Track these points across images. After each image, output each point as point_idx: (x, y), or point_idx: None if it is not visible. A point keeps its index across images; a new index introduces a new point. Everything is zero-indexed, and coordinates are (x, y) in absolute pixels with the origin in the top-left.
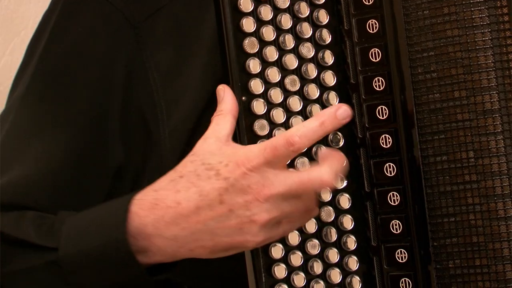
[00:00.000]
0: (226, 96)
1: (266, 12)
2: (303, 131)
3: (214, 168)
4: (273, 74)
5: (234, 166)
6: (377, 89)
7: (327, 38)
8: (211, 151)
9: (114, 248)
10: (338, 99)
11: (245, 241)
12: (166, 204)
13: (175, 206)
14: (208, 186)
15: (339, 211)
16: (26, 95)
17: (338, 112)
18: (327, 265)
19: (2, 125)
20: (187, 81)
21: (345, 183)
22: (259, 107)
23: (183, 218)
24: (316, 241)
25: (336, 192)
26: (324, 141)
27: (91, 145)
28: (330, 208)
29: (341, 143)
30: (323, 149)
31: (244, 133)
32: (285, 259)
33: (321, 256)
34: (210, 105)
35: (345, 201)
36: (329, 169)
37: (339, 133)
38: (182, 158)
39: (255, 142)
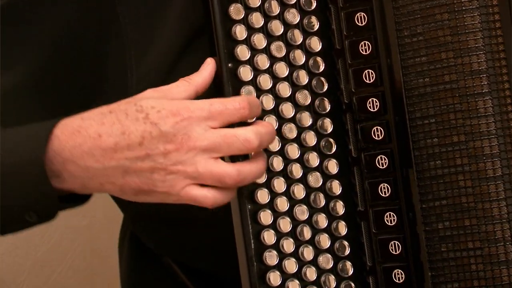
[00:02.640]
0: (204, 70)
1: None
2: (253, 101)
3: (144, 112)
4: (259, 40)
5: (167, 114)
6: (364, 53)
7: (312, 3)
8: (150, 97)
9: (29, 165)
10: (324, 64)
11: (154, 185)
12: (88, 134)
13: (95, 137)
14: (133, 126)
15: (327, 177)
16: None
17: None
18: (316, 231)
19: None
20: (160, 30)
21: (334, 149)
22: (245, 73)
23: (99, 151)
24: (304, 207)
25: (323, 158)
26: (311, 108)
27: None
28: (318, 173)
29: (328, 109)
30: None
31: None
32: (274, 226)
33: (310, 221)
34: (184, 56)
35: (333, 167)
36: (255, 130)
37: (326, 99)
38: None
39: None
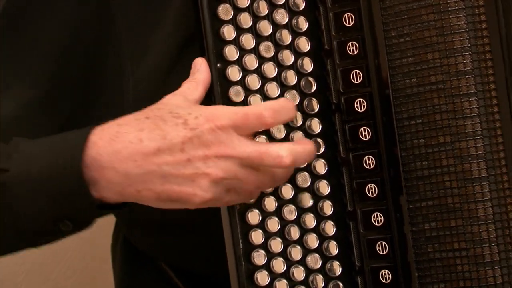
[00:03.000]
0: (202, 67)
1: None
2: (276, 107)
3: (182, 117)
4: (248, 41)
5: (204, 120)
6: (351, 53)
7: (301, 4)
8: (179, 105)
9: (66, 173)
10: (312, 64)
11: (194, 193)
12: (128, 139)
13: (136, 142)
14: (174, 132)
15: (315, 177)
16: None
17: None
18: (304, 230)
19: None
20: (157, 33)
21: (322, 149)
22: (234, 73)
23: (141, 156)
24: (292, 207)
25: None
26: (299, 108)
27: (52, 92)
28: (306, 173)
29: (316, 109)
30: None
31: (219, 99)
32: (262, 225)
33: (298, 221)
34: (181, 57)
35: (321, 167)
36: (290, 149)
37: (314, 99)
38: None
39: None
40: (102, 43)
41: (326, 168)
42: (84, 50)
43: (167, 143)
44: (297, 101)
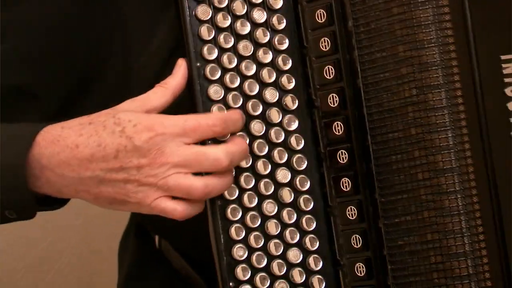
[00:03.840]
0: (177, 72)
1: None
2: (227, 118)
3: (121, 125)
4: (226, 40)
5: (142, 128)
6: (324, 49)
7: (279, 2)
8: (128, 109)
9: (10, 168)
10: (291, 61)
11: (127, 195)
12: (66, 143)
13: (72, 147)
14: (109, 139)
15: (295, 172)
16: None
17: None
18: (284, 225)
19: None
20: (157, 22)
21: (301, 145)
22: (212, 72)
23: (76, 161)
24: (273, 202)
25: (291, 153)
26: (279, 105)
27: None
28: (286, 169)
29: (293, 107)
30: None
31: (199, 98)
32: (242, 221)
33: (278, 216)
34: (179, 48)
35: (300, 162)
36: (226, 151)
37: (292, 95)
38: None
39: (209, 107)
40: (107, 25)
41: (306, 164)
42: (87, 21)
43: (101, 151)
44: (276, 97)
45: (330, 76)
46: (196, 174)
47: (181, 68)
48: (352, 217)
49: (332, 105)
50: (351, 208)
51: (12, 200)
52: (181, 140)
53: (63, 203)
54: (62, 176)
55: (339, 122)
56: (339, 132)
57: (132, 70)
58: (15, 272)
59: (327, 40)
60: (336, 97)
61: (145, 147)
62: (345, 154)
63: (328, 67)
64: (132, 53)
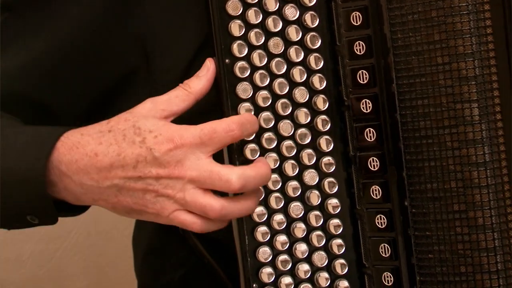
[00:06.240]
0: (203, 77)
1: None
2: (243, 120)
3: (142, 135)
4: (256, 37)
5: (163, 140)
6: (358, 53)
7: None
8: (148, 116)
9: (30, 174)
10: (323, 61)
11: (145, 206)
12: (85, 151)
13: (91, 156)
14: (129, 149)
15: (323, 174)
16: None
17: None
18: (310, 228)
19: None
20: (183, 26)
21: (331, 147)
22: (242, 70)
23: (94, 169)
24: (299, 204)
25: (319, 155)
26: (308, 105)
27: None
28: (314, 171)
29: (325, 107)
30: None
31: (227, 95)
32: (267, 222)
33: (304, 218)
34: (203, 49)
35: (329, 165)
36: (240, 174)
37: (323, 96)
38: None
39: (237, 105)
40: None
41: (335, 167)
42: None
43: (120, 160)
44: (306, 98)
45: (363, 81)
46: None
47: (209, 71)
48: (382, 225)
49: (364, 111)
50: (380, 216)
51: (32, 206)
52: (201, 152)
53: (84, 209)
54: (80, 184)
55: (371, 129)
56: (371, 139)
57: (156, 75)
58: (22, 252)
59: (362, 44)
60: (369, 103)
61: (165, 158)
62: (376, 161)
63: (362, 72)
64: (156, 57)
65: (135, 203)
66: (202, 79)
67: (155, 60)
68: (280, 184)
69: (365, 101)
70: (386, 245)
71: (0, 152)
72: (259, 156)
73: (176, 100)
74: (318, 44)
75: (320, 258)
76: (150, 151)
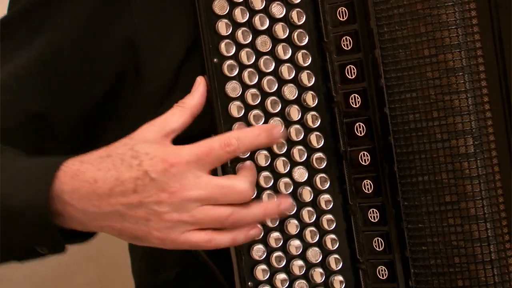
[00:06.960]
0: (196, 91)
1: None
2: (240, 135)
3: (139, 158)
4: (244, 36)
5: (158, 161)
6: (345, 48)
7: None
8: (146, 139)
9: (33, 206)
10: (310, 57)
11: (149, 233)
12: (85, 178)
13: (92, 182)
14: (127, 174)
15: (314, 171)
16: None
17: (275, 130)
18: (304, 225)
19: None
20: (171, 29)
21: (321, 143)
22: (230, 68)
23: (95, 196)
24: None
25: (311, 151)
26: (298, 102)
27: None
28: (303, 168)
29: (314, 104)
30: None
31: (216, 95)
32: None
33: (297, 215)
34: (193, 51)
35: (320, 161)
36: (252, 181)
37: (312, 93)
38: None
39: (227, 104)
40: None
41: (326, 163)
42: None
43: (119, 185)
44: (295, 95)
45: (352, 76)
46: None
47: (200, 86)
48: (375, 220)
49: (354, 106)
50: (373, 210)
51: (38, 236)
52: (198, 169)
53: (91, 236)
54: (84, 211)
55: (361, 123)
56: (361, 134)
57: (145, 79)
58: None
59: (349, 39)
60: (358, 98)
61: (162, 179)
62: (367, 156)
63: (350, 67)
64: (146, 62)
65: (139, 230)
66: (195, 93)
67: (145, 64)
68: (272, 181)
69: (354, 96)
70: (379, 239)
71: (1, 187)
72: (250, 154)
73: (173, 117)
74: (306, 41)
75: (314, 254)
76: (147, 173)
